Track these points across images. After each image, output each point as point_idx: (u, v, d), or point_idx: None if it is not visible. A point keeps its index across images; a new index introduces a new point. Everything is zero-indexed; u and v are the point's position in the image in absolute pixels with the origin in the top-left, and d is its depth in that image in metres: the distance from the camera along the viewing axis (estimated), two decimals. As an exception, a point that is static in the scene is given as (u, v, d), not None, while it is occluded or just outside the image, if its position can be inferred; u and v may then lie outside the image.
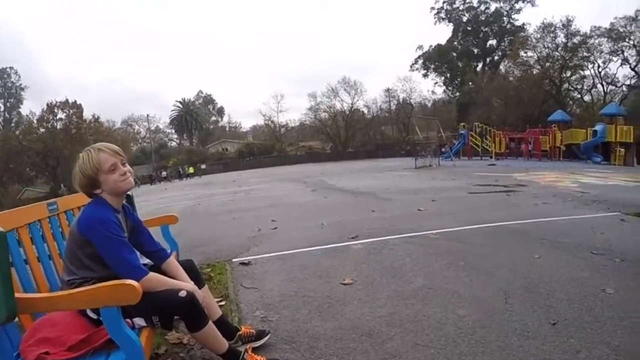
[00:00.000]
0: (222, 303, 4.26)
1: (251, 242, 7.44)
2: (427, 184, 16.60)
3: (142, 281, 2.40)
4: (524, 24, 69.42)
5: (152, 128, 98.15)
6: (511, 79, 61.62)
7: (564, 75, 56.14)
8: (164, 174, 66.72)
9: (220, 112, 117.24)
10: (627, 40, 49.90)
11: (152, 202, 22.29)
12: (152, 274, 2.55)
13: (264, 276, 5.22)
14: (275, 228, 8.71)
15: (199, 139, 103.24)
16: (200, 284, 3.05)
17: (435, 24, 79.68)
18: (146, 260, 3.00)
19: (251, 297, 4.49)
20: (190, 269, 3.10)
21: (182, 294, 2.51)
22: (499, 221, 7.76)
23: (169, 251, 3.39)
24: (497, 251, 5.63)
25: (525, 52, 59.03)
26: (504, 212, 8.99)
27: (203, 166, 71.46)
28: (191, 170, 66.89)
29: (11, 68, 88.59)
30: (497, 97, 59.52)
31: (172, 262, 2.98)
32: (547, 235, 6.46)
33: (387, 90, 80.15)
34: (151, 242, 3.02)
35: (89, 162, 2.60)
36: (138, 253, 2.89)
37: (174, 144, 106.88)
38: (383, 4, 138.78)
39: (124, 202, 2.87)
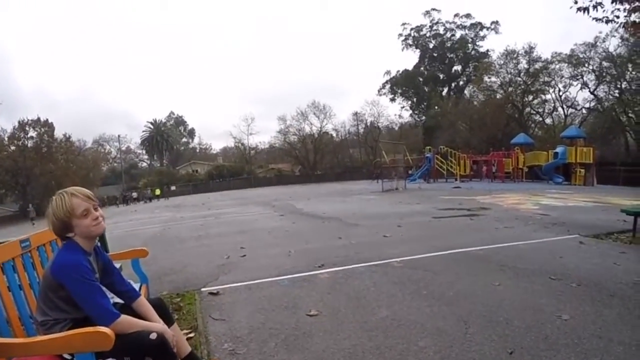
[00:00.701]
0: (191, 335, 4.33)
1: (220, 271, 7.50)
2: (393, 209, 16.82)
3: (114, 324, 2.50)
4: (488, 51, 71.85)
5: (123, 148, 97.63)
6: (475, 103, 63.19)
7: (526, 99, 57.56)
8: (134, 194, 66.00)
9: (191, 133, 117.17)
10: (586, 65, 51.09)
11: (122, 224, 22.06)
12: (123, 317, 2.60)
13: (232, 307, 5.29)
14: (244, 255, 8.77)
15: (169, 160, 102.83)
16: (169, 322, 3.10)
17: (402, 50, 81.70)
18: (117, 299, 3.08)
19: (220, 328, 4.57)
20: (160, 307, 3.15)
21: (153, 336, 2.57)
22: (461, 247, 7.98)
23: (138, 288, 3.49)
24: (459, 279, 5.79)
25: (489, 78, 60.34)
26: (466, 237, 9.20)
27: (173, 187, 71.22)
28: (157, 192, 66.31)
29: None
30: (462, 121, 60.60)
31: (142, 302, 3.03)
32: (507, 261, 6.68)
33: (356, 114, 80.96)
34: (121, 282, 3.10)
35: (62, 206, 2.67)
36: (108, 292, 3.00)
37: (144, 164, 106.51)
38: (353, 30, 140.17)
39: (95, 243, 2.94)
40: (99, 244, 3.06)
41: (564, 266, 6.22)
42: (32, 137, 64.46)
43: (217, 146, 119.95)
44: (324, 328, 4.33)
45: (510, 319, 4.28)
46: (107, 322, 2.49)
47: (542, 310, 4.49)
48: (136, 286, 4.17)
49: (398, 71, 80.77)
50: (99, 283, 2.80)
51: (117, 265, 4.90)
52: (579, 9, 9.52)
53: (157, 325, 2.80)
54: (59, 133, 66.96)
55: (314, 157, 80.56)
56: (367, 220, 13.23)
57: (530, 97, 57.45)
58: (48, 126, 65.16)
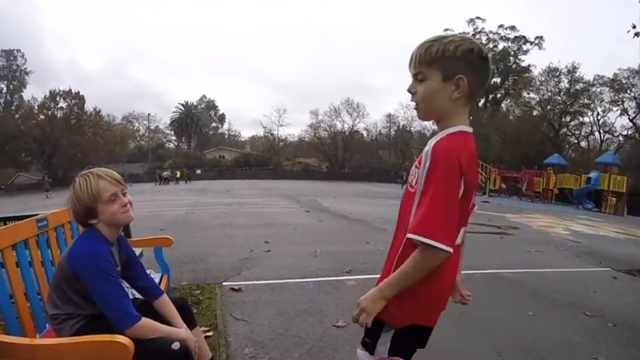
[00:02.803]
0: (210, 334, 4.14)
1: (243, 265, 7.35)
2: (419, 220, 16.31)
3: (133, 328, 2.27)
4: (529, 66, 70.02)
5: (152, 127, 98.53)
6: (511, 117, 62.00)
7: (564, 119, 56.56)
8: (164, 174, 66.00)
9: (222, 119, 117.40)
10: (628, 91, 50.28)
11: (144, 204, 22.03)
12: (144, 321, 2.34)
13: (254, 307, 5.11)
14: (269, 251, 8.62)
15: (197, 144, 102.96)
16: (192, 325, 2.86)
17: (443, 56, 79.45)
18: (137, 295, 2.86)
19: (241, 330, 4.37)
20: (182, 307, 2.90)
21: (175, 346, 2.33)
22: (493, 267, 7.69)
23: (159, 279, 3.24)
24: (493, 304, 5.54)
25: (528, 93, 59.49)
26: (497, 257, 8.91)
27: (198, 171, 71.23)
28: (178, 174, 66.06)
29: (18, 51, 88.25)
30: (495, 134, 59.58)
31: (165, 301, 2.78)
32: (540, 289, 6.40)
33: (389, 115, 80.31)
34: (144, 277, 2.83)
35: (87, 189, 2.39)
36: (127, 287, 2.75)
37: (171, 145, 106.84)
38: (393, 32, 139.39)
39: (120, 232, 2.68)
40: (122, 236, 2.79)
41: (597, 302, 5.94)
42: (62, 108, 65.29)
43: (246, 134, 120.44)
44: (351, 342, 4.08)
45: (546, 355, 4.05)
46: (126, 325, 2.26)
47: (577, 349, 4.25)
48: (157, 276, 4.00)
49: (436, 76, 79.11)
50: (120, 277, 2.57)
51: (138, 251, 4.75)
52: (636, 34, 9.16)
53: (180, 331, 2.54)
54: (89, 106, 67.86)
55: (342, 155, 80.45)
56: (395, 226, 12.74)
57: (568, 118, 56.52)
58: (79, 98, 65.81)
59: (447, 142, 1.83)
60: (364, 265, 7.33)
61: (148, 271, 4.01)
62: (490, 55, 1.95)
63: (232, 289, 5.82)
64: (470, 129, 1.94)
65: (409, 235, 1.76)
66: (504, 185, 38.73)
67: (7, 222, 4.38)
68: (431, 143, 1.86)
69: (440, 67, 1.85)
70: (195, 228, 12.31)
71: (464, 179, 1.77)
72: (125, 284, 2.71)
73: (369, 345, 1.98)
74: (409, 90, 1.99)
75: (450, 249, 1.71)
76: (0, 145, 60.41)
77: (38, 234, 2.96)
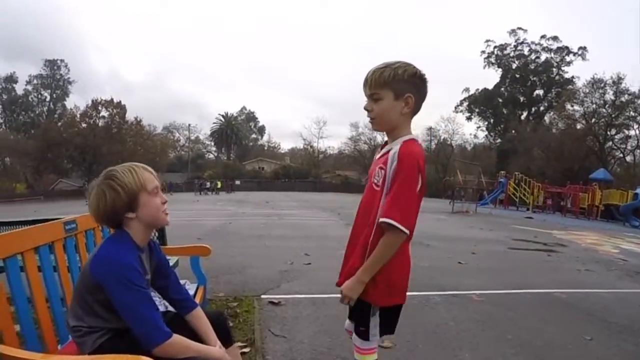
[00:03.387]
0: (247, 350, 3.90)
1: (282, 277, 7.13)
2: (465, 233, 16.17)
3: (163, 346, 2.02)
4: (572, 77, 68.70)
5: (192, 138, 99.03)
6: (554, 131, 60.42)
7: (609, 132, 54.91)
8: (208, 184, 66.43)
9: (261, 130, 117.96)
10: (676, 104, 48.74)
11: (183, 213, 22.06)
12: (175, 338, 2.08)
13: (294, 322, 4.85)
14: (309, 264, 8.38)
15: (236, 155, 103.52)
16: (228, 342, 2.59)
17: (484, 68, 78.45)
18: (169, 307, 2.60)
19: (279, 347, 4.12)
20: (219, 322, 2.60)
21: None
22: (543, 287, 7.31)
23: (194, 290, 2.99)
24: (546, 326, 5.17)
25: (572, 106, 57.83)
26: (547, 275, 8.52)
27: (237, 182, 71.45)
28: (219, 184, 66.31)
29: (62, 61, 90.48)
30: (538, 148, 58.35)
31: (199, 315, 2.50)
32: (595, 311, 6.00)
33: (430, 129, 79.67)
34: (177, 288, 2.55)
35: (133, 176, 2.17)
36: (159, 298, 2.50)
37: (211, 156, 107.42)
38: (434, 43, 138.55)
39: (152, 236, 2.43)
40: (155, 240, 2.53)
41: (657, 327, 5.52)
42: (103, 117, 66.94)
43: (285, 146, 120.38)
44: (398, 365, 3.76)
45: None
46: (154, 341, 2.01)
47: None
48: (192, 287, 3.81)
49: (477, 89, 78.66)
50: (149, 286, 2.33)
51: (174, 260, 4.52)
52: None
53: (214, 350, 2.27)
54: (130, 116, 69.22)
55: (382, 168, 79.16)
56: (439, 242, 12.61)
57: (613, 131, 54.86)
58: (120, 108, 67.26)
59: (408, 147, 2.23)
60: (409, 282, 6.97)
61: (183, 281, 3.77)
62: (426, 77, 2.34)
63: (272, 302, 5.58)
64: (416, 136, 2.35)
65: (381, 219, 2.18)
66: (550, 202, 37.78)
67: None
68: (395, 149, 2.24)
69: (392, 88, 2.26)
70: (233, 238, 12.17)
71: (421, 176, 2.21)
72: (156, 295, 2.46)
73: (364, 332, 2.38)
74: (365, 108, 2.36)
75: (408, 232, 2.18)
76: (43, 152, 62.02)
77: (65, 237, 2.76)
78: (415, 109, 2.33)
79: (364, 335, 2.38)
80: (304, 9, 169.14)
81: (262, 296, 5.86)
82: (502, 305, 5.95)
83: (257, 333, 4.40)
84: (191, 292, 3.69)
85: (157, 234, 4.87)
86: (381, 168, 2.29)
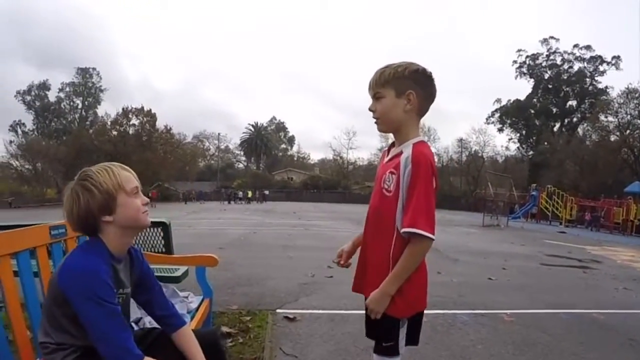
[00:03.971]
0: (254, 369, 3.54)
1: (301, 290, 6.81)
2: (496, 247, 15.66)
3: None
4: (606, 87, 67.54)
5: (222, 147, 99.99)
6: (588, 143, 59.54)
7: (645, 144, 53.63)
8: (240, 194, 66.81)
9: (291, 141, 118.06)
10: None
11: (207, 222, 21.99)
12: None
13: (308, 340, 4.50)
14: (331, 277, 7.98)
15: (265, 165, 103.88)
16: None
17: (516, 78, 77.47)
18: (155, 324, 2.30)
19: (289, 367, 3.74)
20: (211, 344, 2.27)
21: None
22: (579, 307, 6.82)
23: (198, 302, 2.68)
24: (584, 351, 4.73)
25: (606, 117, 56.60)
26: (582, 295, 8.06)
27: (266, 192, 71.43)
28: (249, 194, 66.43)
29: (94, 69, 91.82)
30: (571, 161, 57.37)
31: (186, 333, 2.19)
32: (636, 335, 5.50)
33: (461, 140, 78.80)
34: (162, 303, 2.24)
35: (110, 175, 1.92)
36: (143, 315, 2.18)
37: (241, 165, 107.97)
38: (465, 53, 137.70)
39: (132, 244, 2.16)
40: (136, 248, 2.23)
41: None
42: (134, 125, 68.47)
43: (315, 157, 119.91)
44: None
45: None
46: None
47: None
48: (197, 300, 3.49)
49: (509, 100, 77.42)
50: (130, 299, 2.13)
51: (182, 270, 4.22)
52: None
53: None
54: (160, 124, 70.33)
55: (412, 180, 78.73)
56: (468, 256, 12.22)
57: (649, 143, 53.63)
58: (151, 116, 68.43)
59: (421, 151, 2.16)
60: (436, 299, 6.55)
61: (185, 293, 3.46)
62: (433, 74, 2.31)
63: (287, 317, 5.25)
64: (425, 139, 2.32)
65: (406, 230, 2.09)
66: (588, 216, 36.85)
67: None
68: (407, 152, 2.18)
69: (393, 86, 2.23)
70: (256, 248, 12.00)
71: (435, 178, 2.19)
72: (141, 311, 2.28)
73: (392, 347, 2.24)
74: (370, 109, 2.33)
75: (434, 237, 2.09)
76: (73, 158, 63.09)
77: (51, 243, 2.50)
78: (421, 108, 2.28)
79: (393, 350, 2.25)
80: (335, 18, 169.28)
81: (278, 310, 5.56)
82: (535, 326, 5.52)
83: (266, 351, 4.07)
84: (194, 305, 3.44)
85: (163, 242, 4.61)
86: (392, 172, 2.24)
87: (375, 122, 2.33)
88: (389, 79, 2.22)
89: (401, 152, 2.22)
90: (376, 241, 2.29)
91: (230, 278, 7.14)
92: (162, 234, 4.63)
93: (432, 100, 2.33)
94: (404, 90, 2.20)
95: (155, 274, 2.29)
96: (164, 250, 4.58)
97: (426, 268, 2.29)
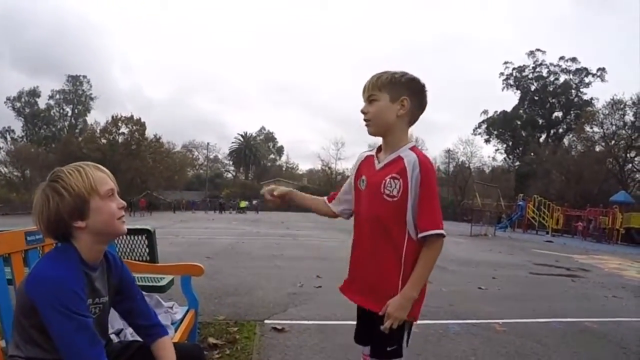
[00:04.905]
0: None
1: (290, 301, 6.72)
2: (484, 256, 15.65)
3: None
4: (592, 99, 68.40)
5: (211, 157, 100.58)
6: (573, 153, 60.04)
7: (629, 155, 54.08)
8: (233, 202, 67.02)
9: (280, 150, 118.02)
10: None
11: (195, 231, 21.94)
12: None
13: (298, 352, 4.39)
14: (320, 287, 7.93)
15: (254, 175, 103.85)
16: None
17: (502, 90, 78.30)
18: (136, 336, 2.17)
19: (277, 381, 3.63)
20: (194, 358, 2.19)
21: None
22: (570, 316, 6.79)
23: (183, 313, 2.58)
24: (580, 360, 4.66)
25: (591, 128, 57.25)
26: (573, 303, 8.03)
27: (255, 202, 71.38)
28: (242, 204, 66.38)
29: (84, 77, 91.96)
30: (557, 171, 57.88)
31: (166, 345, 2.06)
32: (629, 343, 5.48)
33: (448, 151, 79.45)
34: (145, 312, 2.11)
35: (82, 177, 1.77)
36: (123, 326, 2.07)
37: (229, 175, 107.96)
38: (452, 65, 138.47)
39: (106, 250, 1.99)
40: (114, 253, 2.11)
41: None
42: (123, 133, 68.97)
43: (303, 167, 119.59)
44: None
45: None
46: None
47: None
48: (181, 310, 3.39)
49: (496, 112, 78.45)
50: (109, 308, 1.99)
51: (167, 279, 4.11)
52: None
53: None
54: (150, 133, 70.92)
55: (399, 191, 79.00)
56: (458, 266, 12.13)
57: (633, 153, 53.94)
58: (140, 125, 68.94)
59: (421, 153, 2.30)
60: (426, 309, 6.44)
61: (170, 303, 3.36)
62: (426, 87, 2.42)
63: (275, 328, 5.14)
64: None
65: (428, 233, 2.16)
66: (580, 226, 36.96)
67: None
68: (411, 157, 2.25)
69: (388, 90, 2.30)
70: (244, 258, 11.89)
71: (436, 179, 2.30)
72: (120, 321, 2.22)
73: (396, 351, 2.26)
74: (362, 111, 2.38)
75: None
76: (62, 165, 62.59)
77: (27, 250, 2.37)
78: (412, 115, 2.37)
79: (397, 354, 2.28)
80: (325, 30, 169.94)
81: (266, 321, 5.45)
82: (528, 336, 5.44)
83: (254, 363, 3.95)
84: (179, 316, 3.32)
85: (147, 250, 4.49)
86: (395, 178, 2.24)
87: (366, 125, 2.38)
88: (385, 83, 2.28)
89: (399, 157, 2.28)
90: (382, 247, 2.27)
91: (218, 288, 7.06)
92: (146, 241, 4.50)
93: (423, 110, 2.43)
94: (399, 96, 2.27)
95: (139, 283, 2.21)
96: (148, 258, 4.45)
97: None
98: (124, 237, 4.47)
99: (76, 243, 1.80)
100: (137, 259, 4.47)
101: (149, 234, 4.47)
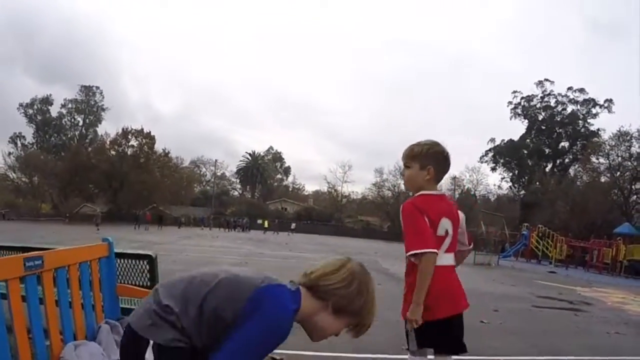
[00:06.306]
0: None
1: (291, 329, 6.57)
2: (487, 287, 15.62)
3: None
4: (598, 129, 68.59)
5: (218, 174, 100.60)
6: (579, 183, 60.33)
7: (634, 186, 54.39)
8: (245, 220, 66.96)
9: (287, 171, 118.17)
10: None
11: (200, 248, 22.00)
12: None
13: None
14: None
15: (261, 194, 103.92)
16: None
17: (510, 119, 78.88)
18: None
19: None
20: None
21: None
22: (574, 353, 6.76)
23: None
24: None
25: (597, 159, 57.55)
26: (577, 339, 7.97)
27: (259, 221, 71.41)
28: (266, 224, 66.01)
29: (97, 87, 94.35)
30: (562, 201, 57.69)
31: None
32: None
33: (454, 178, 79.45)
34: None
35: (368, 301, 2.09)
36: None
37: (236, 193, 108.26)
38: (464, 91, 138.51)
39: None
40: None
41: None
42: (132, 146, 69.21)
43: (310, 188, 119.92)
44: None
45: None
46: None
47: None
48: None
49: (503, 140, 78.82)
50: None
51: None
52: None
53: None
54: (159, 146, 71.70)
55: (404, 216, 78.60)
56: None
57: (639, 185, 54.46)
58: (150, 138, 69.24)
59: (409, 200, 3.08)
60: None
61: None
62: (450, 155, 3.17)
63: (273, 358, 5.06)
64: (438, 192, 3.22)
65: (406, 255, 2.98)
66: (589, 258, 36.65)
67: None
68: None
69: (418, 160, 3.07)
70: (245, 281, 11.70)
71: (425, 214, 2.93)
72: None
73: (409, 349, 3.07)
74: (401, 173, 4.69)
75: (433, 250, 2.80)
76: (70, 174, 63.86)
77: (25, 276, 2.36)
78: (437, 178, 3.14)
79: (411, 352, 3.08)
80: (333, 52, 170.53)
81: (262, 352, 5.35)
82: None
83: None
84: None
85: (148, 275, 4.46)
86: None
87: (404, 184, 3.31)
88: (416, 155, 3.09)
89: None
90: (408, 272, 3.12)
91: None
92: (147, 267, 4.49)
93: (446, 172, 3.24)
94: (426, 165, 3.04)
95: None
96: (149, 284, 4.40)
97: (442, 282, 2.98)
98: (126, 260, 4.48)
99: (304, 300, 1.97)
100: (137, 283, 4.46)
101: (150, 260, 4.44)
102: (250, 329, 1.73)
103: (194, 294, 1.85)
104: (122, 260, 4.39)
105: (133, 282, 4.48)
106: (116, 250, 3.54)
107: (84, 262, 2.95)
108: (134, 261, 4.51)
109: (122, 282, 4.16)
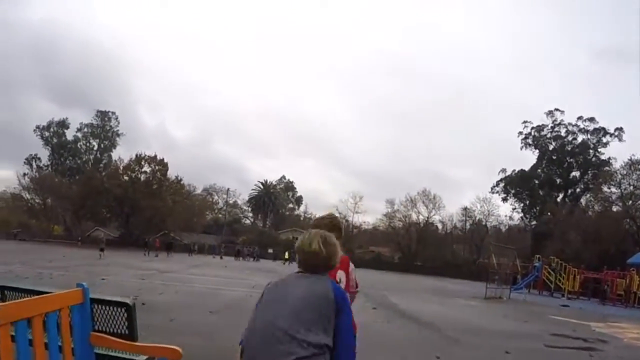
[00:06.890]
0: None
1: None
2: (498, 324, 15.22)
3: None
4: (609, 159, 68.72)
5: (230, 202, 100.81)
6: (590, 213, 60.08)
7: (646, 214, 53.55)
8: (255, 249, 67.15)
9: (299, 200, 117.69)
10: None
11: (206, 278, 21.96)
12: None
13: None
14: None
15: (272, 223, 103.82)
16: None
17: (521, 149, 78.65)
18: None
19: None
20: None
21: None
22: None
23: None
24: None
25: (609, 188, 57.61)
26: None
27: (270, 250, 71.16)
28: (286, 256, 65.74)
29: (113, 113, 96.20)
30: (574, 231, 57.20)
31: None
32: None
33: (465, 209, 79.38)
34: None
35: None
36: None
37: (247, 221, 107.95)
38: (474, 121, 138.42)
39: None
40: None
41: None
42: (145, 172, 69.69)
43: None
44: None
45: None
46: None
47: None
48: None
49: (514, 170, 78.71)
50: None
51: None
52: None
53: None
54: (171, 173, 72.38)
55: (415, 247, 78.60)
56: (470, 336, 11.64)
57: (651, 213, 53.68)
58: (163, 165, 70.03)
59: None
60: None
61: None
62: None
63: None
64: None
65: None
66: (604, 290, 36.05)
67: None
68: None
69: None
70: (250, 314, 11.41)
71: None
72: None
73: None
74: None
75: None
76: (83, 198, 64.65)
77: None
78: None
79: None
80: (340, 82, 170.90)
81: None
82: None
83: None
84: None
85: (126, 323, 4.11)
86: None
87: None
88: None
89: None
90: None
91: (212, 352, 6.74)
92: (125, 314, 4.09)
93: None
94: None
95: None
96: (127, 332, 4.03)
97: None
98: (102, 307, 4.13)
99: None
100: (114, 332, 4.05)
101: (128, 308, 4.07)
102: None
103: None
104: (99, 307, 4.07)
105: (110, 331, 4.08)
106: (92, 295, 3.34)
107: (51, 312, 2.80)
108: (111, 307, 4.12)
109: (98, 329, 3.88)
